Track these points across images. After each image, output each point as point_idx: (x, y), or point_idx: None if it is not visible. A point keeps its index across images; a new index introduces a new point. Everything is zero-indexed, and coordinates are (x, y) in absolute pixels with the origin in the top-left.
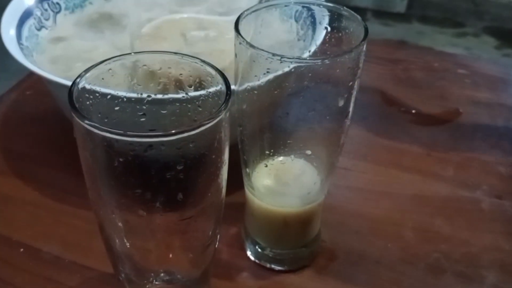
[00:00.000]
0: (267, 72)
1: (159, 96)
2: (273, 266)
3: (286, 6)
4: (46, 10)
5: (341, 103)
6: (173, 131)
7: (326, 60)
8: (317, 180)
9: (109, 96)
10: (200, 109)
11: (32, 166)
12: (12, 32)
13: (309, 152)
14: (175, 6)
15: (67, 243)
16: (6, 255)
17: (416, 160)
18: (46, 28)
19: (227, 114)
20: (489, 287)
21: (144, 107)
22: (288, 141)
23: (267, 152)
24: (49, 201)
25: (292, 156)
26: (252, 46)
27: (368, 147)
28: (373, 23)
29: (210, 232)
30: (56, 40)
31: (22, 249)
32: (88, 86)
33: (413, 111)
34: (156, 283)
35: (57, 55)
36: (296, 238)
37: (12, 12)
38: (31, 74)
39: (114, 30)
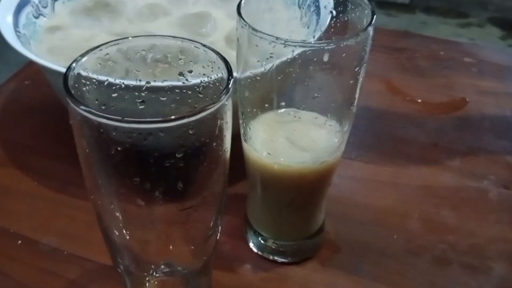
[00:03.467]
0: (271, 57)
1: (158, 82)
2: (276, 258)
3: None
4: None
5: (347, 89)
6: (173, 117)
7: (332, 44)
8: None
9: (106, 83)
10: (201, 96)
11: (30, 157)
12: (9, 19)
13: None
14: None
15: (65, 235)
16: (4, 247)
17: (422, 150)
18: (44, 16)
19: (229, 100)
20: (496, 278)
21: (143, 94)
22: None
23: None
24: (47, 192)
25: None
26: (255, 29)
27: (373, 137)
28: (377, 14)
29: (212, 223)
30: (53, 29)
31: (20, 241)
32: (84, 72)
33: (419, 100)
34: (156, 275)
35: (56, 45)
36: (299, 229)
37: None
38: (30, 64)
39: (111, 18)
